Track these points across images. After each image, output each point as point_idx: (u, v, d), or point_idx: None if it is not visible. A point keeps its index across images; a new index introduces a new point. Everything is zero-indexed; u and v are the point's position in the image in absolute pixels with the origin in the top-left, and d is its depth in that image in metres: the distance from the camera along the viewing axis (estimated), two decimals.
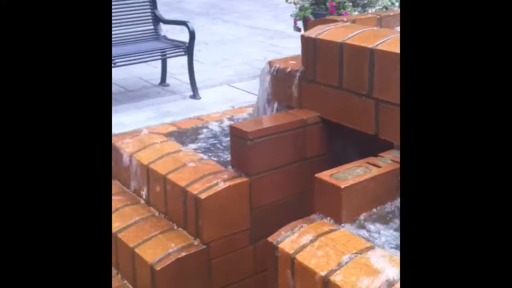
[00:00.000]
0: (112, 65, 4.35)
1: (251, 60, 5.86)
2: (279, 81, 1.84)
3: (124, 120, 4.18)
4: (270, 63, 1.86)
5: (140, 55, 4.51)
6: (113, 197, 1.92)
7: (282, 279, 1.34)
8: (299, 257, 1.28)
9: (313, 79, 1.72)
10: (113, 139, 2.04)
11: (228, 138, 1.96)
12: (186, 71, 4.81)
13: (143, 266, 1.62)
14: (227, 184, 1.64)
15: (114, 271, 1.79)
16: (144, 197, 1.87)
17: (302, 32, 4.26)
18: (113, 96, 4.75)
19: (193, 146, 1.93)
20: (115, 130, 3.86)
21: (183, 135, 2.04)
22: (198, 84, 4.74)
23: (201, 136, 2.03)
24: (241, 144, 1.65)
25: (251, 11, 8.98)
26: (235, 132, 1.67)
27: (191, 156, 1.83)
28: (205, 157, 1.83)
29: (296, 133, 1.70)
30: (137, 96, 4.77)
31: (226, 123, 2.15)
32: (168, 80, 5.07)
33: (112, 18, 4.72)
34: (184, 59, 4.80)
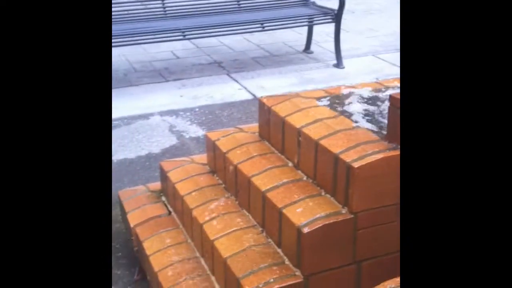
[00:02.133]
0: (261, 28, 4.42)
1: (398, 31, 5.64)
2: None
3: (266, 84, 4.25)
4: None
5: (288, 20, 4.53)
6: (261, 158, 1.97)
7: None
8: None
9: None
10: (265, 101, 2.07)
11: (382, 108, 1.91)
12: (330, 39, 4.76)
13: (290, 227, 1.65)
14: (382, 155, 1.60)
15: (259, 229, 1.85)
16: (293, 160, 1.89)
17: None
18: (257, 60, 4.84)
19: (345, 113, 1.91)
20: (259, 93, 3.95)
21: (335, 101, 2.02)
22: (342, 53, 4.67)
23: (353, 104, 1.99)
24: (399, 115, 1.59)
25: None
26: (394, 103, 1.62)
27: (344, 123, 1.81)
28: (358, 125, 1.80)
29: None
30: (281, 61, 4.82)
31: (378, 93, 2.09)
32: (312, 47, 5.05)
33: None
34: (329, 27, 4.74)
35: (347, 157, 1.62)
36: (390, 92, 2.01)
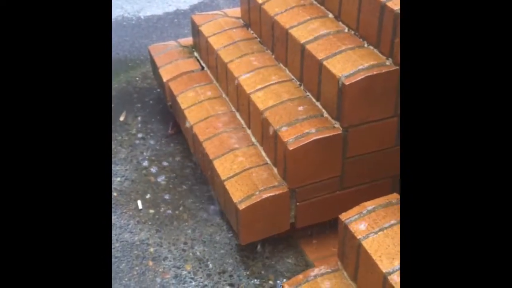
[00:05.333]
0: None
1: None
2: None
3: None
4: None
5: None
6: (300, 9, 1.86)
7: None
8: None
9: None
10: None
11: None
12: None
13: (331, 80, 1.59)
14: None
15: (297, 83, 1.80)
16: (334, 11, 1.79)
17: None
18: None
19: None
20: None
21: None
22: None
23: None
24: None
25: None
26: None
27: None
28: None
29: None
30: None
31: None
32: None
33: None
34: None
35: (395, 5, 1.52)
36: None
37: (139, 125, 2.33)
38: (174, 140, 2.26)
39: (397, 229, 1.27)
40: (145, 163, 2.14)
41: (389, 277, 1.19)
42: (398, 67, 1.55)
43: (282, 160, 1.65)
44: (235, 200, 1.65)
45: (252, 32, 2.10)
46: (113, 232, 1.84)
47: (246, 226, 1.67)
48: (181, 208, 1.94)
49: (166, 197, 1.99)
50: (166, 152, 2.20)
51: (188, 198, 1.98)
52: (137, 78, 2.63)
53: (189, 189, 2.02)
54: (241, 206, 1.63)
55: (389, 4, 1.53)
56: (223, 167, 1.77)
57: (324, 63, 1.62)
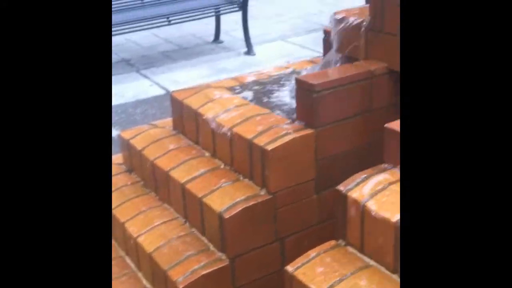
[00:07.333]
0: (167, 22, 4.39)
1: (306, 14, 5.77)
2: (345, 33, 1.81)
3: (179, 78, 4.24)
4: (335, 14, 1.83)
5: (194, 12, 4.51)
6: (178, 151, 1.97)
7: (351, 227, 1.35)
8: (370, 205, 1.29)
9: (381, 29, 1.68)
10: (176, 95, 2.08)
11: (290, 90, 1.97)
12: (239, 27, 4.79)
13: (212, 215, 1.67)
14: (293, 136, 1.65)
15: (181, 220, 1.86)
16: (209, 150, 1.91)
17: None
18: (168, 54, 4.81)
19: (255, 99, 1.95)
20: (171, 87, 3.93)
21: (246, 88, 2.05)
22: (252, 40, 4.73)
23: (264, 90, 2.04)
24: (307, 96, 1.65)
25: None
26: (301, 85, 1.67)
27: (255, 109, 1.85)
28: (269, 110, 1.84)
29: (363, 85, 1.69)
30: (191, 53, 4.81)
31: (286, 76, 2.15)
32: (221, 37, 5.07)
33: None
34: (237, 15, 4.77)
35: (260, 141, 1.67)
36: (300, 73, 2.07)
37: None
38: None
39: None
40: None
41: None
42: (272, 196, 1.66)
43: None
44: None
45: (135, 176, 2.16)
46: None
47: None
48: None
49: None
50: None
51: None
52: None
53: None
54: None
55: (256, 141, 1.68)
56: None
57: (204, 200, 1.71)
